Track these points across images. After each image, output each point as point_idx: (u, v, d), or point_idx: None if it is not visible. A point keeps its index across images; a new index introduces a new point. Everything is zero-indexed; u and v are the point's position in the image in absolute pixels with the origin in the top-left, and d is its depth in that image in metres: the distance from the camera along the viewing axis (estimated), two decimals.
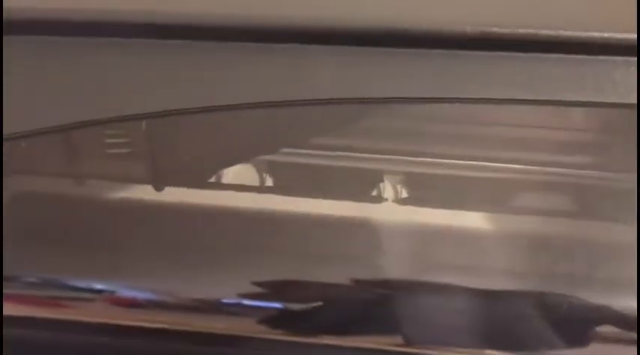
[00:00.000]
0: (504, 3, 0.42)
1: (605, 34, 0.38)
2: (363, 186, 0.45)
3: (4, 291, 0.41)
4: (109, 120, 0.41)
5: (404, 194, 0.45)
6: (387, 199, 0.45)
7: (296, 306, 0.40)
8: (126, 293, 0.41)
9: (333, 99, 0.41)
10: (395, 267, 0.42)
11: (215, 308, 0.40)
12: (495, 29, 0.39)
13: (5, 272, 0.41)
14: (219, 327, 0.41)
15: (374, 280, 0.41)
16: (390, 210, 0.44)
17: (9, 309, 0.41)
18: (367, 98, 0.41)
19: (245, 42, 0.41)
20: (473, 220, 0.43)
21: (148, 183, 0.44)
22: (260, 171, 0.46)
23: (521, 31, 0.39)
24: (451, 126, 0.45)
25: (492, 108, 0.43)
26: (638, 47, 0.38)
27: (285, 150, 0.47)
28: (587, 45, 0.39)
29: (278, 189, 0.46)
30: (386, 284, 0.41)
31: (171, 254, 0.42)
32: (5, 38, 0.42)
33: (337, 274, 0.41)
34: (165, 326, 0.40)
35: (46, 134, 0.41)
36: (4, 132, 0.41)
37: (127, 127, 0.43)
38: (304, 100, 0.41)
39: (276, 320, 0.40)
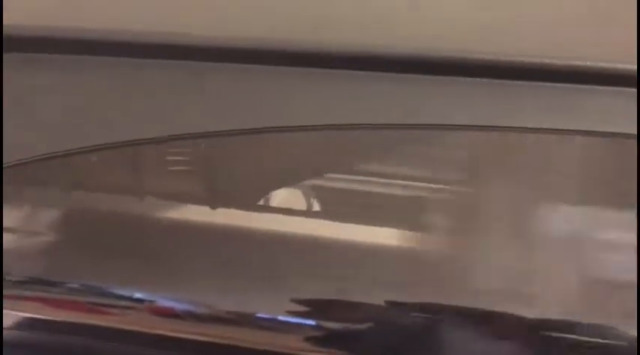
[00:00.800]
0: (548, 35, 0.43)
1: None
2: (407, 214, 0.46)
3: (50, 296, 0.42)
4: (168, 139, 0.42)
5: (447, 223, 0.45)
6: (430, 227, 0.45)
7: (334, 325, 0.40)
8: (166, 303, 0.41)
9: (384, 124, 0.41)
10: (437, 295, 0.42)
11: (254, 323, 0.41)
12: (533, 59, 0.40)
13: (53, 278, 0.42)
14: (258, 342, 0.41)
15: (414, 303, 0.41)
16: (431, 238, 0.44)
17: (55, 313, 0.42)
18: (416, 124, 0.42)
19: (300, 67, 0.42)
20: (515, 251, 0.43)
21: (199, 200, 0.45)
22: (307, 196, 0.46)
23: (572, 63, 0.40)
24: (497, 157, 0.46)
25: (538, 141, 0.43)
26: (638, 76, 0.38)
27: (335, 175, 0.47)
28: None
29: (325, 215, 0.46)
30: (425, 308, 0.41)
31: (215, 270, 0.42)
32: (72, 58, 0.43)
33: (377, 297, 0.41)
34: (203, 338, 0.41)
35: (108, 150, 0.42)
36: (66, 147, 0.42)
37: (188, 146, 0.44)
38: (356, 124, 0.41)
39: (313, 338, 0.40)
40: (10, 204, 0.44)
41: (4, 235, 0.43)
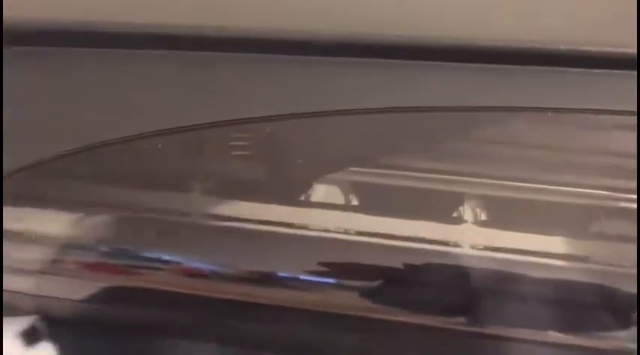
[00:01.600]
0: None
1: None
2: (443, 208, 0.46)
3: (83, 260, 0.46)
4: (226, 123, 0.44)
5: (483, 216, 0.45)
6: (466, 221, 0.45)
7: (353, 283, 0.41)
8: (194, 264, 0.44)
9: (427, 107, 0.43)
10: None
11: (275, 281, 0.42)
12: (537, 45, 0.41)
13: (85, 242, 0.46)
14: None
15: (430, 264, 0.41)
16: (469, 231, 0.44)
17: (91, 276, 0.45)
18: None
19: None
20: (551, 245, 0.43)
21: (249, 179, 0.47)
22: (345, 191, 0.48)
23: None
24: (531, 150, 0.46)
25: (571, 134, 0.44)
26: (638, 56, 0.39)
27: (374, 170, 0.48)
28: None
29: (362, 209, 0.47)
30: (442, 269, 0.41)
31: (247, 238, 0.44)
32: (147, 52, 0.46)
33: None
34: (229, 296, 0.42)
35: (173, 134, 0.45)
36: (135, 132, 0.44)
37: (250, 130, 0.46)
38: (417, 107, 0.43)
39: (339, 295, 0.41)
40: (70, 187, 0.48)
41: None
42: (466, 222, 0.45)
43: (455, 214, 0.45)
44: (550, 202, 0.44)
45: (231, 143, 0.46)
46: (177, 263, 0.45)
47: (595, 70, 0.41)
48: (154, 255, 0.45)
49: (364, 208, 0.47)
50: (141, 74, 0.45)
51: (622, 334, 0.39)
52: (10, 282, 0.48)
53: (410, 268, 0.42)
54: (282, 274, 0.43)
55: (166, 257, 0.45)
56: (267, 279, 0.43)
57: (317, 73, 0.44)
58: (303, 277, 0.42)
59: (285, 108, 0.44)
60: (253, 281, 0.43)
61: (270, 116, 0.44)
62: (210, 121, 0.44)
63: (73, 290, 0.48)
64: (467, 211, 0.45)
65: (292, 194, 0.47)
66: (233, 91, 0.44)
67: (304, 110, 0.44)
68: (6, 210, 0.46)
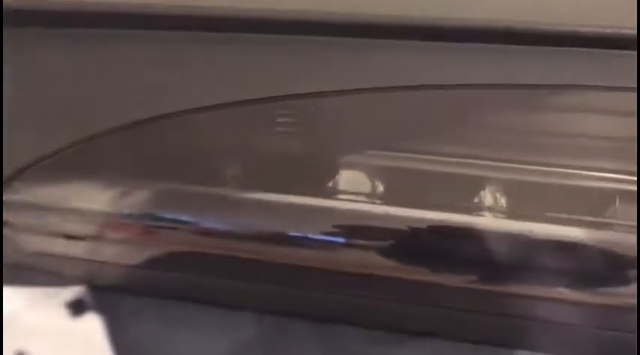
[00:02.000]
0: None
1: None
2: (463, 193, 0.47)
3: (131, 226, 0.49)
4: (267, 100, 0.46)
5: (503, 201, 0.47)
6: (487, 206, 0.47)
7: (362, 243, 0.44)
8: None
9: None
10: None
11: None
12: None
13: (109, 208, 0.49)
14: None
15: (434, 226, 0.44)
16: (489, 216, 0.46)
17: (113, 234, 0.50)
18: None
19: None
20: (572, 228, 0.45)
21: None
22: (371, 177, 0.49)
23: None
24: (551, 137, 0.47)
25: (586, 119, 0.45)
26: (638, 38, 0.39)
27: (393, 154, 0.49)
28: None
29: (382, 194, 0.48)
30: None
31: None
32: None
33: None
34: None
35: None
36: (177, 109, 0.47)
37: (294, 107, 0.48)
38: (460, 85, 0.44)
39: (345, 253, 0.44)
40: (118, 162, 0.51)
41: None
42: (486, 206, 0.47)
43: (476, 199, 0.47)
44: (568, 185, 0.46)
45: (277, 120, 0.48)
46: (217, 229, 0.48)
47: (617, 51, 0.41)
48: (195, 221, 0.48)
49: (389, 190, 0.48)
50: (186, 55, 0.48)
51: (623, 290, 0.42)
52: (59, 247, 0.52)
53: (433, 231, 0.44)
54: (328, 239, 0.46)
55: (206, 223, 0.48)
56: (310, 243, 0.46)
57: (344, 54, 0.46)
58: (339, 240, 0.45)
59: (319, 86, 0.46)
60: (297, 245, 0.46)
61: (301, 94, 0.46)
62: (250, 98, 0.46)
63: (122, 255, 0.51)
64: (487, 195, 0.47)
65: (319, 176, 0.49)
66: (276, 70, 0.47)
67: (330, 89, 0.45)
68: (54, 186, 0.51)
